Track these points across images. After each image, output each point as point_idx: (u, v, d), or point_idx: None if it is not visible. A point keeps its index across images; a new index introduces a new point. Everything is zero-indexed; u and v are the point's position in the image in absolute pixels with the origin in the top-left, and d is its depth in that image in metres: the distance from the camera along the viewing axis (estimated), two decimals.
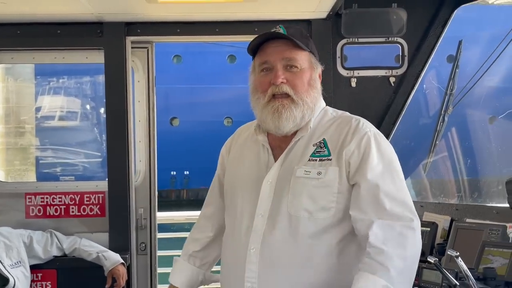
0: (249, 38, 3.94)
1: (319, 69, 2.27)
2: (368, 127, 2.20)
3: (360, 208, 2.09)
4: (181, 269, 2.48)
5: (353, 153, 2.13)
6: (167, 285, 2.48)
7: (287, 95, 2.15)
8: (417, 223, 2.08)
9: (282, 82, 2.14)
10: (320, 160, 2.16)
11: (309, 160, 2.17)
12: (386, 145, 2.21)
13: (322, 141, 2.19)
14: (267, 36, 2.19)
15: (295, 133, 2.24)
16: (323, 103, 2.33)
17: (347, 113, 2.31)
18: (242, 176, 2.31)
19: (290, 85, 2.15)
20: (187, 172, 16.22)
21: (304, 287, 2.10)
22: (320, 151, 2.18)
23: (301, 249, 2.10)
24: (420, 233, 2.12)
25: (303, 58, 2.19)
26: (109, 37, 3.96)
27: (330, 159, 2.15)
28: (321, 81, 2.30)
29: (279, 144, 2.27)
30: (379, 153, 2.15)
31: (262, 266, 2.12)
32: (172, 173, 15.91)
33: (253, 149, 2.33)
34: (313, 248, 2.10)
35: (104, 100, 4.03)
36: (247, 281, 2.14)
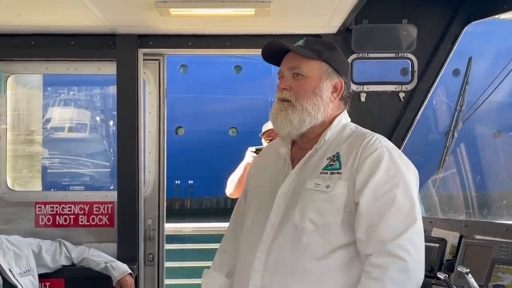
0: (260, 52, 3.98)
1: (335, 79, 2.27)
2: (381, 143, 2.17)
3: (358, 230, 2.09)
4: (209, 278, 2.47)
5: (360, 168, 2.12)
6: None
7: (288, 100, 2.24)
8: (411, 265, 2.02)
9: (284, 88, 2.25)
10: (331, 173, 2.16)
11: (321, 173, 2.18)
12: (402, 163, 2.16)
13: (336, 155, 2.20)
14: (268, 47, 2.32)
15: (312, 146, 2.26)
16: (344, 119, 2.33)
17: (368, 130, 2.30)
18: (260, 187, 2.37)
19: (293, 91, 2.24)
20: (191, 182, 16.19)
21: None
22: (333, 164, 2.18)
23: (303, 262, 2.10)
24: (416, 272, 2.05)
25: (311, 67, 2.24)
26: (121, 49, 3.99)
27: (340, 173, 2.15)
28: None
29: (299, 157, 2.29)
30: (390, 171, 2.11)
31: (265, 275, 2.15)
32: (176, 182, 15.87)
33: (275, 161, 2.37)
34: (317, 265, 2.10)
35: (114, 111, 4.06)
36: None
